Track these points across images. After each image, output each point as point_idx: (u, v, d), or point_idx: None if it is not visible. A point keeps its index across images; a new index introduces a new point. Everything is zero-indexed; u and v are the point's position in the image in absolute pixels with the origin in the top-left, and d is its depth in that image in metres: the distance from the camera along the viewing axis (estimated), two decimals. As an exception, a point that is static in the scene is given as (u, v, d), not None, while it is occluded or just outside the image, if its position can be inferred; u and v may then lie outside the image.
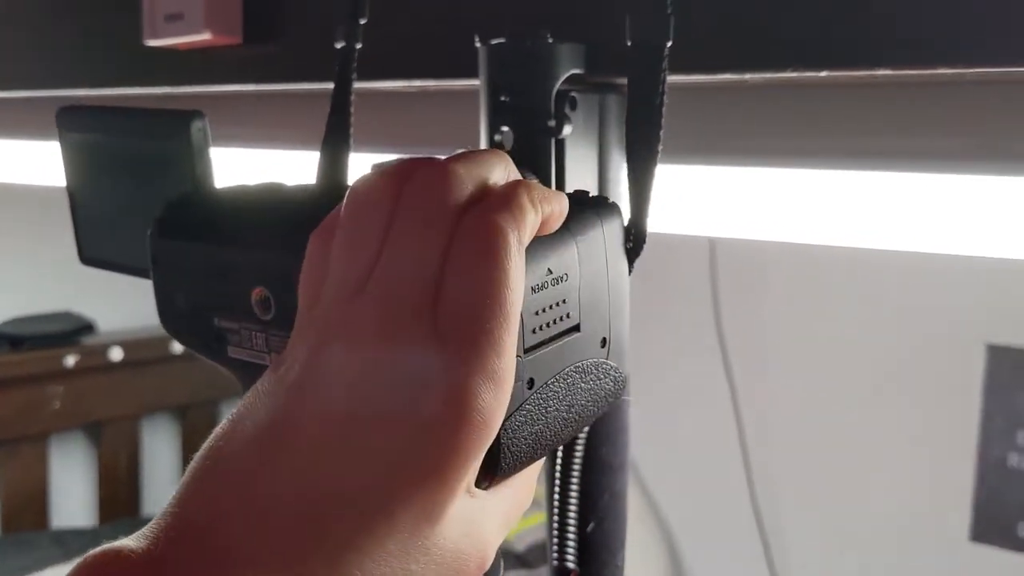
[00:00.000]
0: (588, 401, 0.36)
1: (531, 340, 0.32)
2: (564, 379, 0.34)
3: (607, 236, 0.36)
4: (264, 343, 0.37)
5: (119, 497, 1.81)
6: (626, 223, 0.38)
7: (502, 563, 0.38)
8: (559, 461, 0.49)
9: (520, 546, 1.85)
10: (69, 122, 0.48)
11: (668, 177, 0.43)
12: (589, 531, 0.49)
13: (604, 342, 0.36)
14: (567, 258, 0.34)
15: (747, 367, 1.71)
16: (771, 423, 1.74)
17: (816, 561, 1.59)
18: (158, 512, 0.29)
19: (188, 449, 1.92)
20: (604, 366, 0.36)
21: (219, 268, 0.37)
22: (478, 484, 0.32)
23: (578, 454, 0.49)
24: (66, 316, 1.75)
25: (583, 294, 0.35)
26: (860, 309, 1.37)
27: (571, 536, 0.49)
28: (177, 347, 1.78)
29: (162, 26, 0.63)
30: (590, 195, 0.37)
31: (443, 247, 0.29)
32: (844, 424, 1.47)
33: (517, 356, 0.31)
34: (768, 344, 1.57)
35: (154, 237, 0.40)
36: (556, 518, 0.49)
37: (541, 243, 0.32)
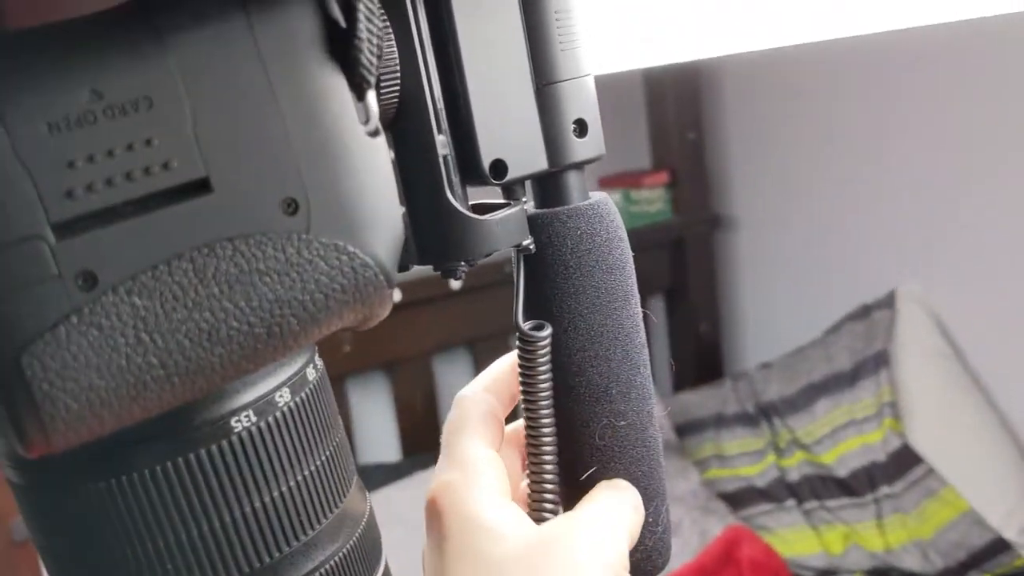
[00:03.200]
0: (279, 302, 0.23)
1: (69, 208, 0.20)
2: (186, 271, 0.21)
3: (261, 34, 0.22)
4: None
5: (419, 431, 1.85)
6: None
7: None
8: (521, 389, 0.36)
9: (842, 471, 1.71)
10: None
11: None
12: (584, 480, 0.36)
13: (292, 206, 0.23)
14: (142, 72, 0.21)
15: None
16: None
17: None
18: None
19: (480, 380, 1.96)
20: (304, 244, 0.23)
21: None
22: (21, 450, 0.21)
23: (542, 379, 0.35)
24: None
25: (206, 131, 0.22)
26: None
27: (550, 490, 0.35)
28: (456, 283, 1.77)
29: None
30: None
31: None
32: None
33: (35, 238, 0.20)
34: None
35: None
36: (532, 466, 0.36)
37: (79, 49, 0.20)
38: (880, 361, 1.73)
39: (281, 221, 0.23)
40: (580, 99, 0.34)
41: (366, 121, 0.24)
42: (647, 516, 0.37)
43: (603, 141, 0.35)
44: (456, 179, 0.32)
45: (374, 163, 0.24)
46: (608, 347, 0.35)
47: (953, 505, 1.61)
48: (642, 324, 0.37)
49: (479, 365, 1.93)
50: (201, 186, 0.22)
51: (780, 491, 1.75)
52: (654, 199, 2.05)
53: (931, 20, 0.52)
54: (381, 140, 0.25)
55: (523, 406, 0.36)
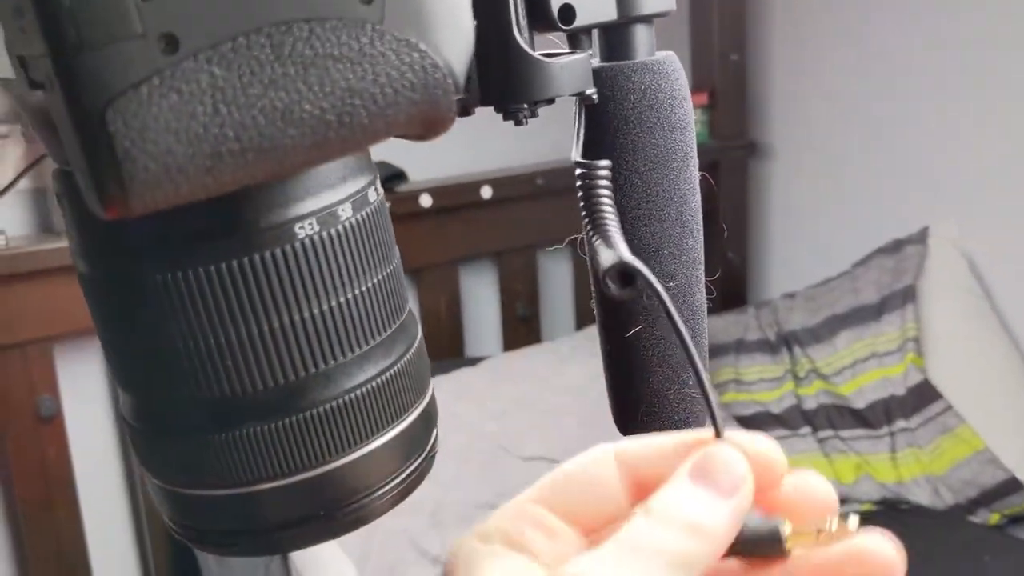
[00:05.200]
0: (349, 90, 0.23)
1: None
2: (264, 46, 0.21)
3: None
4: None
5: (442, 337, 1.86)
6: None
7: None
8: (583, 211, 0.34)
9: (860, 403, 1.71)
10: None
11: None
12: (630, 336, 0.37)
13: None
14: None
15: None
16: None
17: None
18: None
19: (505, 293, 1.99)
20: (376, 35, 0.23)
21: None
22: (99, 210, 0.21)
23: (607, 206, 0.34)
24: (379, 166, 1.78)
25: None
26: None
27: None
28: (487, 192, 1.77)
29: None
30: None
31: None
32: None
33: None
34: None
35: None
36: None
37: None
38: (907, 296, 1.72)
39: (356, 8, 0.23)
40: None
41: None
42: (689, 378, 0.37)
43: (674, -4, 0.34)
44: (524, 21, 0.32)
45: None
46: (663, 207, 0.35)
47: (968, 443, 1.61)
48: (698, 188, 0.36)
49: (504, 277, 1.93)
50: None
51: (796, 418, 1.76)
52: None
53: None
54: None
55: (588, 235, 0.35)
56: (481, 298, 1.96)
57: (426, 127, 0.25)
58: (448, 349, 1.86)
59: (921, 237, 1.79)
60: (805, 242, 2.12)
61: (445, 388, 1.61)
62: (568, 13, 0.32)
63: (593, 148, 0.35)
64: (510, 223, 1.87)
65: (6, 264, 1.42)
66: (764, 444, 0.27)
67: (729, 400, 1.80)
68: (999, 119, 1.69)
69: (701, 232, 0.37)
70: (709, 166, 2.07)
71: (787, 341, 1.86)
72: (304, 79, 0.22)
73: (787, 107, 2.10)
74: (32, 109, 0.25)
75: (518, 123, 0.32)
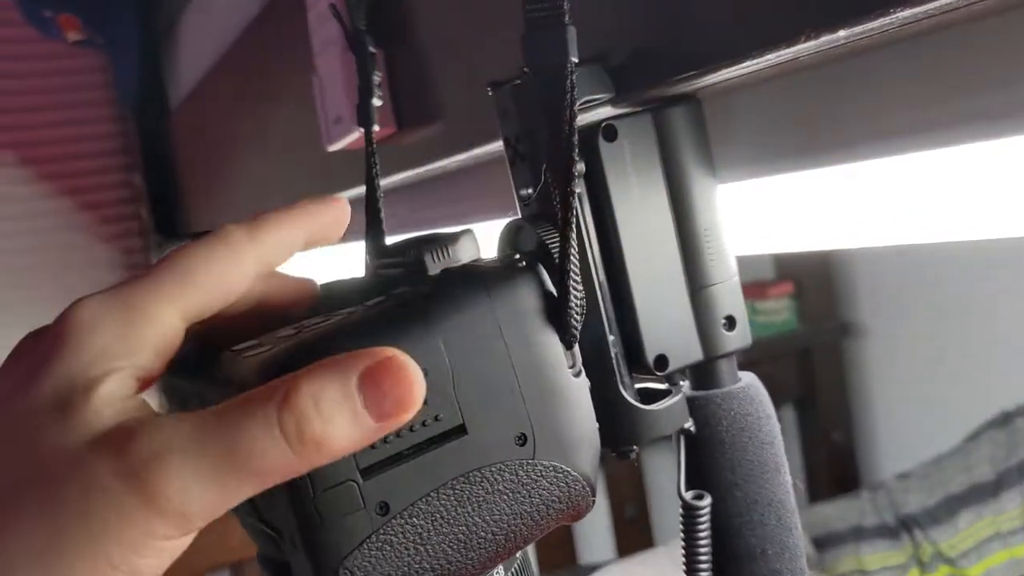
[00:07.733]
0: (514, 514, 0.30)
1: (372, 456, 0.28)
2: (449, 495, 0.29)
3: (500, 312, 0.30)
4: None
5: (554, 545, 1.88)
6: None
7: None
8: (683, 553, 0.39)
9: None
10: None
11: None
12: None
13: (522, 439, 0.30)
14: (421, 351, 0.28)
15: None
16: None
17: None
18: None
19: (613, 495, 1.99)
20: (531, 467, 0.30)
21: None
22: None
23: (702, 544, 0.39)
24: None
25: (463, 389, 0.29)
26: None
27: None
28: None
29: (331, 131, 0.65)
30: (506, 258, 0.33)
31: None
32: None
33: (349, 480, 0.27)
34: None
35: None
36: None
37: (378, 334, 0.28)
38: (1024, 471, 1.68)
39: (515, 451, 0.30)
40: (729, 299, 0.40)
41: (572, 365, 0.31)
42: None
43: (749, 332, 0.40)
44: (625, 372, 0.38)
45: (580, 397, 0.32)
46: (763, 513, 0.40)
47: (1116, 624, 1.53)
48: (792, 491, 0.41)
49: (610, 478, 1.95)
50: (459, 430, 0.29)
51: (927, 608, 1.70)
52: (780, 309, 2.07)
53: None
54: (583, 379, 0.32)
55: (684, 570, 0.40)
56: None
57: (569, 521, 0.31)
58: (561, 555, 1.87)
59: (1030, 408, 1.77)
60: (912, 417, 2.10)
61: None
62: (662, 362, 0.39)
63: (695, 471, 0.40)
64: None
65: None
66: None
67: (853, 592, 1.75)
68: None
69: (800, 528, 0.41)
70: (802, 352, 2.09)
71: (907, 524, 1.82)
72: (479, 514, 0.29)
73: (876, 285, 2.13)
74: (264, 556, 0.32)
75: (628, 459, 0.38)
